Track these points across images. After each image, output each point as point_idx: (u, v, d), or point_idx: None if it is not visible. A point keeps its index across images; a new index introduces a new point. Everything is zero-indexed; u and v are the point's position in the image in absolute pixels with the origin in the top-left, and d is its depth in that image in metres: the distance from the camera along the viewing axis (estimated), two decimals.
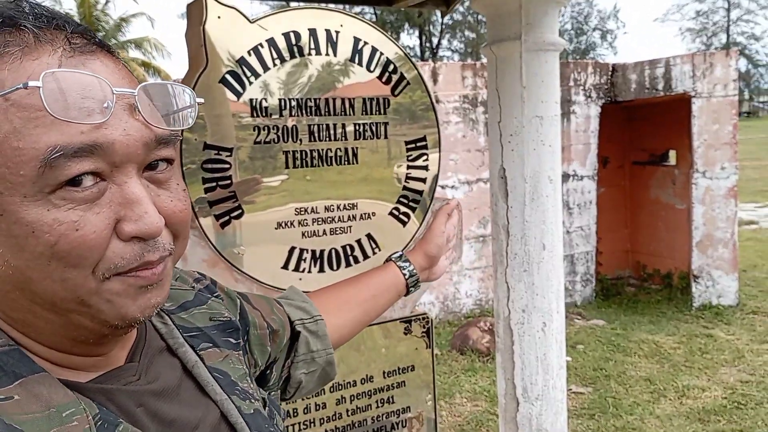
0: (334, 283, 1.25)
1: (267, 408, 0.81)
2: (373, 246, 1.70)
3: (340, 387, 1.71)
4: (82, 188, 0.54)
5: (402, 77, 1.70)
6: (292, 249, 1.59)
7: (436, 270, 1.37)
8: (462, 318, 6.25)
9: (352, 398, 1.73)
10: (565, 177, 6.67)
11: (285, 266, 1.59)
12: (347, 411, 1.72)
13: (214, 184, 1.47)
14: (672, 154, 7.27)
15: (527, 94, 1.96)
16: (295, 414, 1.64)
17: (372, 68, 1.65)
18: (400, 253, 1.31)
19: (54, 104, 0.52)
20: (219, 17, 1.44)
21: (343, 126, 1.63)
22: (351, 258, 1.68)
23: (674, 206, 7.13)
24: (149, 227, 0.57)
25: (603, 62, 7.07)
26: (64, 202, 0.54)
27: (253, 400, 0.76)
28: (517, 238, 2.03)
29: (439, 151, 1.77)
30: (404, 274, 1.25)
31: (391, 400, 1.80)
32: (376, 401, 1.77)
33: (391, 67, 1.68)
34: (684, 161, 6.94)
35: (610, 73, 6.91)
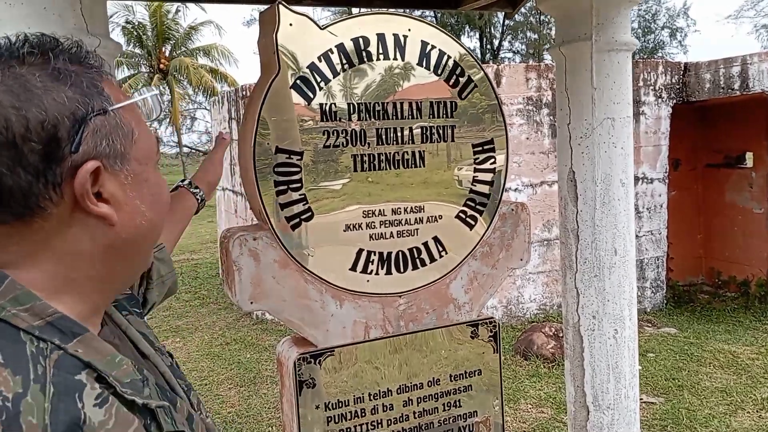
0: None
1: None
2: (440, 249, 1.70)
3: (407, 389, 1.71)
4: None
5: (469, 80, 1.69)
6: (360, 251, 1.61)
7: (211, 194, 1.56)
8: (525, 322, 6.14)
9: (419, 400, 1.73)
10: (634, 180, 6.46)
11: (353, 268, 1.61)
12: (414, 413, 1.72)
13: (285, 187, 1.50)
14: (749, 156, 6.94)
15: (598, 96, 1.92)
16: (363, 414, 1.65)
17: (439, 71, 1.65)
18: (189, 180, 1.47)
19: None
20: (291, 24, 1.47)
21: (410, 129, 1.64)
22: (418, 260, 1.68)
23: (751, 210, 6.80)
24: None
25: (674, 61, 6.82)
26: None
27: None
28: (587, 243, 1.98)
29: (507, 154, 1.75)
30: (197, 199, 1.44)
31: (457, 403, 1.78)
32: (443, 404, 1.76)
33: (458, 69, 1.67)
34: (761, 163, 6.61)
35: (681, 72, 6.65)
